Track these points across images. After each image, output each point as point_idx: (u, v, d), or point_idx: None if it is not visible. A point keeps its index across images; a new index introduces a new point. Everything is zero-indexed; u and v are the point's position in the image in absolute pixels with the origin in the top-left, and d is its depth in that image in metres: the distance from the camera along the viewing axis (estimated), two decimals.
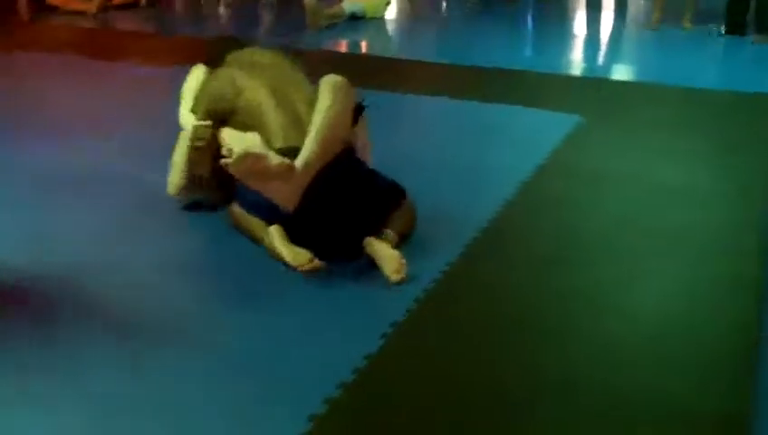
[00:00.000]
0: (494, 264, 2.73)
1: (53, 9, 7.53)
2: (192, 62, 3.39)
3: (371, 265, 2.60)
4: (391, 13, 7.70)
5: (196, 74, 3.24)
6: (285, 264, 2.57)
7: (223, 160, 2.57)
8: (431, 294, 2.49)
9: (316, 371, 2.09)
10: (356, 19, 7.07)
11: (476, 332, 2.31)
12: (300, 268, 2.55)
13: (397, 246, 2.66)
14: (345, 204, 2.68)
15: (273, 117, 2.79)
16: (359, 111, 2.89)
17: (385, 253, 2.60)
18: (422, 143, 3.96)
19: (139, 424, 1.90)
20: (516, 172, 3.47)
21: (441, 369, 2.13)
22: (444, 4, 8.61)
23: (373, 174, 2.83)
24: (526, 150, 3.76)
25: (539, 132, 4.05)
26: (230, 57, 3.18)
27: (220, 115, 2.95)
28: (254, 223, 2.75)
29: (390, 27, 7.35)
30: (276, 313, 2.41)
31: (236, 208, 2.83)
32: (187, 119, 3.06)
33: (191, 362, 2.15)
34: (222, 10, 7.98)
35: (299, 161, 2.60)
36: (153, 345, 2.23)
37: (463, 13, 8.02)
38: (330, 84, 2.78)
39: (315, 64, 5.43)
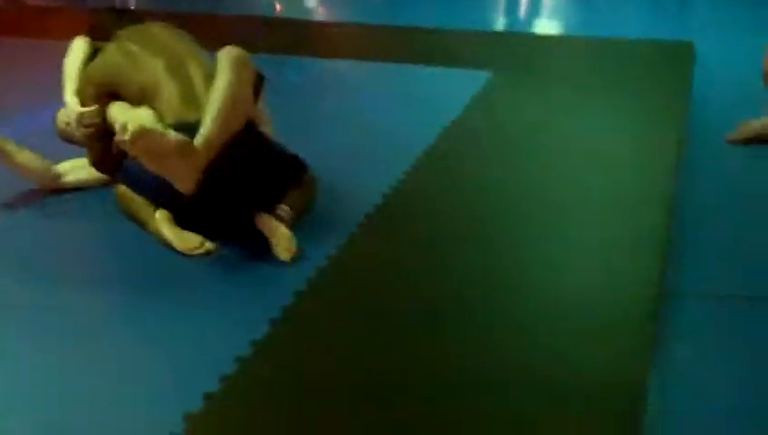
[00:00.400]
0: (390, 239, 2.61)
1: None
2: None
3: (265, 244, 2.48)
4: None
5: (78, 48, 3.02)
6: (174, 249, 2.47)
7: (117, 138, 2.37)
8: (323, 273, 2.37)
9: (196, 364, 1.95)
10: None
11: (368, 314, 2.19)
12: (189, 253, 2.45)
13: (293, 223, 2.54)
14: (244, 182, 2.54)
15: (168, 90, 2.60)
16: (259, 82, 2.74)
17: (276, 231, 2.48)
18: (326, 109, 3.84)
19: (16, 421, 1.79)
20: (422, 135, 3.36)
21: (328, 355, 2.01)
22: None
23: (273, 148, 2.68)
24: (434, 112, 3.66)
25: (447, 92, 3.96)
26: (122, 33, 2.93)
27: (110, 90, 2.77)
28: (140, 205, 2.59)
29: None
30: (161, 298, 2.28)
31: (123, 189, 2.65)
32: (71, 103, 2.87)
33: (68, 352, 2.02)
34: None
35: (198, 139, 2.42)
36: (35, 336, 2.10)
37: None
38: (228, 58, 2.58)
39: (230, 29, 5.31)
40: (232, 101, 2.51)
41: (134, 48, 2.78)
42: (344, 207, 2.78)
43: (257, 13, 6.09)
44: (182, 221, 2.53)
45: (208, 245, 2.45)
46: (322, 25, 5.59)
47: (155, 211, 2.54)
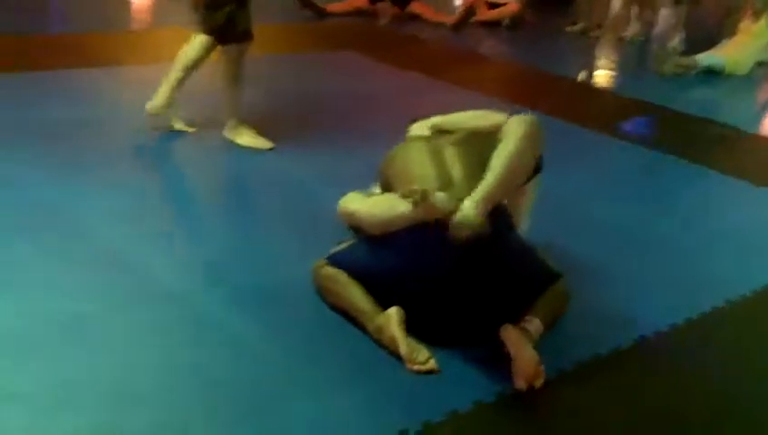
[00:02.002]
0: (614, 392, 2.29)
1: (414, 17, 7.83)
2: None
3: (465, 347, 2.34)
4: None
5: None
6: (394, 353, 2.32)
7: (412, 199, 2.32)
8: (496, 405, 2.17)
9: None
10: (712, 73, 6.37)
11: None
12: (411, 365, 2.28)
13: (537, 341, 2.33)
14: (493, 275, 2.38)
15: (424, 172, 2.50)
16: (539, 164, 2.59)
17: (523, 352, 2.24)
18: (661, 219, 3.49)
19: None
20: (740, 283, 2.89)
21: None
22: None
23: (527, 250, 2.52)
24: None
25: None
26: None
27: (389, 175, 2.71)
28: (357, 295, 2.45)
29: (752, 89, 6.49)
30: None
31: (332, 271, 2.54)
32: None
33: None
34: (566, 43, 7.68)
35: (477, 193, 2.29)
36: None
37: None
38: (520, 125, 2.48)
39: (638, 114, 5.04)
40: (512, 170, 2.39)
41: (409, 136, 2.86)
42: (581, 338, 2.51)
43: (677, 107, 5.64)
44: (412, 316, 2.37)
45: (433, 363, 2.27)
46: (747, 137, 5.03)
47: (372, 304, 2.41)
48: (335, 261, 2.55)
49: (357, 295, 2.44)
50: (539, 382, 2.20)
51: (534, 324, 2.34)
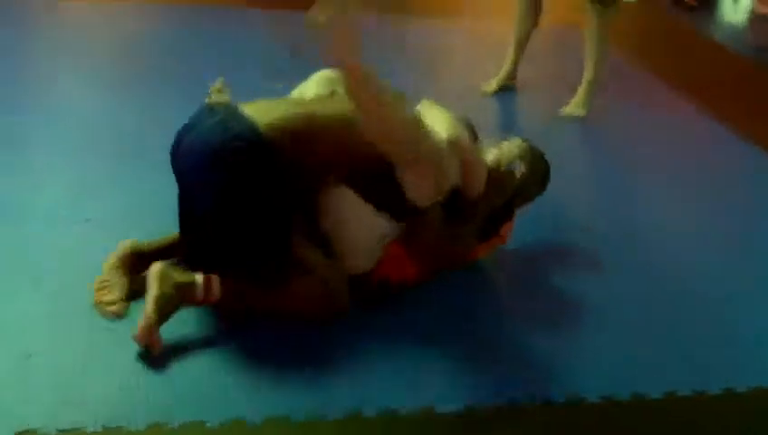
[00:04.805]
0: None
1: None
2: None
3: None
4: None
5: None
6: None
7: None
8: None
9: None
10: None
11: None
12: (98, 298, 2.12)
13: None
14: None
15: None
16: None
17: (148, 296, 2.00)
18: None
19: None
20: None
21: None
22: None
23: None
24: None
25: None
26: None
27: None
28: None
29: None
30: None
31: None
32: None
33: None
34: None
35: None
36: None
37: None
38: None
39: None
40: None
41: None
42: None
43: None
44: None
45: (115, 309, 2.09)
46: None
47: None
48: None
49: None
50: (139, 335, 1.94)
51: (213, 283, 2.06)
